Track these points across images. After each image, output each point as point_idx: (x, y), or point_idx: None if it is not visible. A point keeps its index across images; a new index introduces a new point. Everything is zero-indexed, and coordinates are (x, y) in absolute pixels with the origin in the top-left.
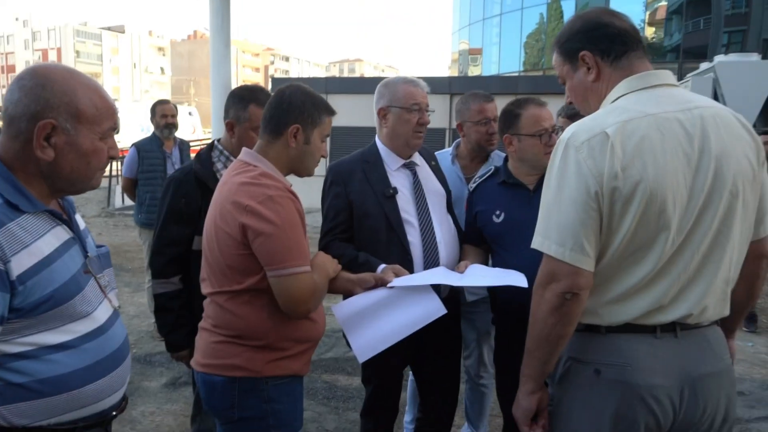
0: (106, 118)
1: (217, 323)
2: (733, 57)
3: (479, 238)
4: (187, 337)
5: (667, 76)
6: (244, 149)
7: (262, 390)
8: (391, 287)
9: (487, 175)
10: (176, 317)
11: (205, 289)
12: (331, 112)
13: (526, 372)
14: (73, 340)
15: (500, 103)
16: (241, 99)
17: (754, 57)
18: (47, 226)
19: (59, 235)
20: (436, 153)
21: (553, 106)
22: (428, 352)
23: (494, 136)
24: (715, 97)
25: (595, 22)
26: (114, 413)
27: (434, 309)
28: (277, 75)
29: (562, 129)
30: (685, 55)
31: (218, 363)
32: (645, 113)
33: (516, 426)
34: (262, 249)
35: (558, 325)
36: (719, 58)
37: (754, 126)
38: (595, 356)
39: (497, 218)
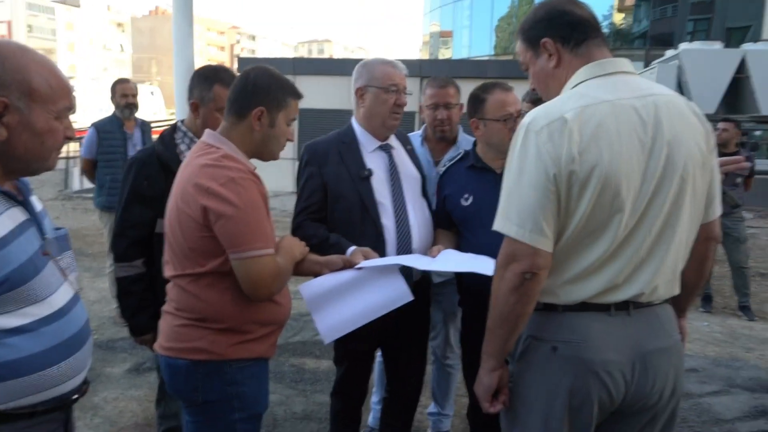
0: (61, 96)
1: (180, 306)
2: (696, 45)
3: (449, 222)
4: (150, 321)
5: (625, 63)
6: (207, 131)
7: (226, 373)
8: (359, 268)
9: (457, 158)
10: (139, 300)
11: (167, 272)
12: (298, 95)
13: (487, 350)
14: (31, 324)
15: (471, 88)
16: (206, 79)
17: (717, 45)
18: (1, 208)
19: (15, 216)
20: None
21: (523, 91)
22: (398, 334)
23: (445, 122)
24: (679, 84)
25: (556, 11)
26: (75, 397)
27: (401, 295)
28: (244, 54)
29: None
30: (652, 42)
31: (181, 346)
32: (602, 99)
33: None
34: (224, 231)
35: (518, 304)
36: (683, 46)
37: (716, 113)
38: (552, 334)
39: (465, 201)
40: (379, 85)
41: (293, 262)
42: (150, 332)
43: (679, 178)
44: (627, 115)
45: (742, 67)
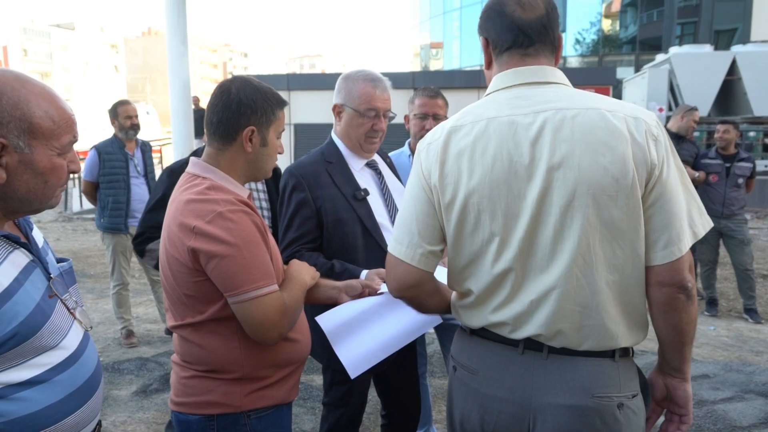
0: (64, 131)
1: (186, 358)
2: (687, 48)
3: None
4: None
5: (544, 73)
6: (192, 159)
7: (244, 425)
8: (381, 293)
9: None
10: None
11: (169, 321)
12: (283, 104)
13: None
14: (44, 374)
15: (464, 97)
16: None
17: (707, 48)
18: (4, 253)
19: (17, 261)
20: (390, 155)
21: None
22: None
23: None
24: (671, 88)
25: (494, 10)
26: None
27: (430, 318)
28: (237, 72)
29: None
30: (641, 47)
31: (192, 401)
32: (484, 117)
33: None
34: (217, 273)
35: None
36: (674, 50)
37: (708, 115)
38: (457, 354)
39: None
40: (356, 107)
41: (305, 290)
42: None
43: (563, 207)
44: (501, 134)
45: (732, 69)
